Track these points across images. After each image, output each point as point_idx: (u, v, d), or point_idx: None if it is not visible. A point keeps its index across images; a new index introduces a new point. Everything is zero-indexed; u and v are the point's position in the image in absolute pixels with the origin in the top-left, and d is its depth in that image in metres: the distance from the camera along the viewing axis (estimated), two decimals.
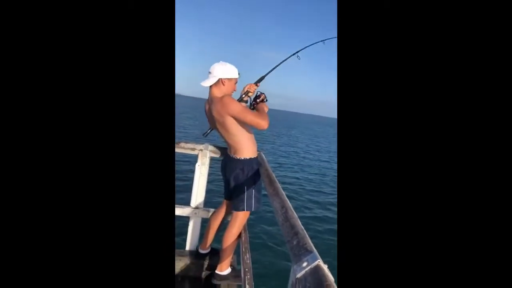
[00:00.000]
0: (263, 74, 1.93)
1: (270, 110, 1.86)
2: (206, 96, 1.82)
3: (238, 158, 1.78)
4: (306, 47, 2.11)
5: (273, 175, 1.41)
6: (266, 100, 1.89)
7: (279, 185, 1.25)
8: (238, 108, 1.64)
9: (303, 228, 0.85)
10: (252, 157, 1.79)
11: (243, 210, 1.76)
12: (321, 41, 2.16)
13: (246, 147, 1.77)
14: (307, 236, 0.80)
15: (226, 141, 1.82)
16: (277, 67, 2.01)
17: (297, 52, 2.03)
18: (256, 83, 1.89)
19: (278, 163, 10.67)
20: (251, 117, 1.63)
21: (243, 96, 1.86)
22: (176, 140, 2.02)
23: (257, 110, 1.77)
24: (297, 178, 8.91)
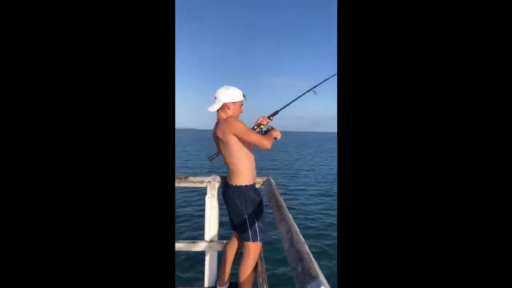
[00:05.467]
0: (278, 109, 1.98)
1: (287, 132, 1.89)
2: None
3: (234, 185, 1.77)
4: (322, 82, 2.12)
5: (281, 200, 1.38)
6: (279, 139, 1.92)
7: (286, 210, 1.21)
8: (242, 127, 1.67)
9: (309, 252, 0.81)
10: (249, 184, 1.78)
11: (249, 240, 1.73)
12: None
13: (243, 173, 1.76)
14: (313, 260, 0.76)
15: (226, 164, 1.82)
16: (293, 102, 2.04)
17: (313, 87, 2.07)
18: (270, 116, 1.94)
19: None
20: (255, 136, 1.67)
21: (255, 127, 1.90)
22: (184, 174, 2.03)
23: (257, 126, 1.82)
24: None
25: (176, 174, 2.02)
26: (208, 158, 1.94)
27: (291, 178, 12.26)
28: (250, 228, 1.72)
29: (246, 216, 1.73)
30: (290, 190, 9.52)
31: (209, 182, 2.00)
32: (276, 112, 1.96)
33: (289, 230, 0.97)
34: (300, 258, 0.78)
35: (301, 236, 0.94)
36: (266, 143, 1.68)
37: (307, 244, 0.87)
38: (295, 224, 1.05)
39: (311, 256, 0.79)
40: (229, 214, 1.86)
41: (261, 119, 1.91)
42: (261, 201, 1.79)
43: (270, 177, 1.99)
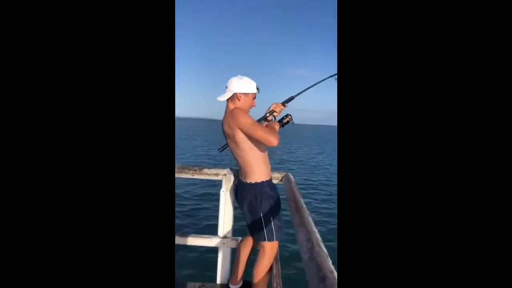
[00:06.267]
0: (293, 95, 1.77)
1: (306, 125, 1.73)
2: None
3: (248, 182, 1.62)
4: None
5: (301, 200, 1.24)
6: (293, 123, 1.74)
7: (307, 212, 1.08)
8: (247, 121, 1.51)
9: (333, 269, 0.68)
10: (264, 180, 1.63)
11: (265, 240, 1.60)
12: None
13: (257, 168, 1.61)
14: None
15: (236, 161, 1.68)
16: (310, 89, 1.82)
17: (334, 74, 1.75)
18: (284, 103, 1.74)
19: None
20: (260, 132, 1.49)
21: (267, 115, 1.72)
22: (199, 166, 1.94)
23: (267, 126, 1.63)
24: None
25: (191, 166, 1.93)
26: (218, 149, 1.80)
27: (311, 171, 12.16)
28: (266, 227, 1.59)
29: (262, 215, 1.60)
30: (312, 181, 9.85)
31: (225, 175, 1.89)
32: (291, 98, 1.75)
33: (309, 238, 0.84)
34: (322, 278, 0.65)
35: (323, 246, 0.80)
36: (273, 139, 1.48)
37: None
38: (316, 231, 0.92)
39: (335, 273, 0.66)
40: (243, 213, 1.73)
41: (273, 106, 1.72)
42: (278, 198, 1.65)
43: (289, 173, 1.86)
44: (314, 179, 10.35)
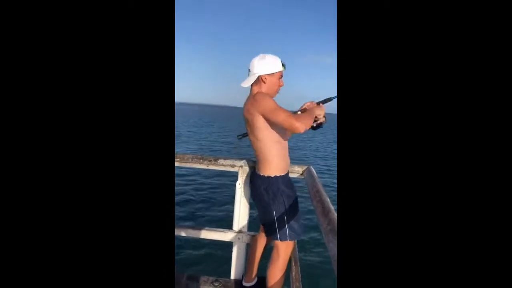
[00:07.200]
0: (331, 96, 1.57)
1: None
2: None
3: (261, 175, 1.48)
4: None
5: (328, 200, 1.10)
6: (325, 125, 1.56)
7: (335, 215, 0.94)
8: (271, 105, 1.34)
9: None
10: (279, 175, 1.47)
11: (277, 239, 1.47)
12: None
13: (271, 161, 1.46)
14: None
15: (254, 150, 1.54)
16: None
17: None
18: (321, 102, 1.55)
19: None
20: (283, 116, 1.31)
21: (298, 113, 1.53)
22: (214, 156, 1.83)
23: (301, 112, 1.47)
24: None
25: (205, 156, 1.82)
26: (237, 136, 1.65)
27: (324, 159, 12.02)
28: (278, 225, 1.46)
29: (274, 212, 1.46)
30: (328, 167, 10.25)
31: (241, 166, 1.77)
32: (329, 99, 1.56)
33: None
34: None
35: None
36: (298, 124, 1.28)
37: None
38: None
39: None
40: (256, 206, 1.61)
41: (307, 105, 1.54)
42: (294, 195, 1.51)
43: (311, 167, 1.71)
44: (329, 163, 10.75)
